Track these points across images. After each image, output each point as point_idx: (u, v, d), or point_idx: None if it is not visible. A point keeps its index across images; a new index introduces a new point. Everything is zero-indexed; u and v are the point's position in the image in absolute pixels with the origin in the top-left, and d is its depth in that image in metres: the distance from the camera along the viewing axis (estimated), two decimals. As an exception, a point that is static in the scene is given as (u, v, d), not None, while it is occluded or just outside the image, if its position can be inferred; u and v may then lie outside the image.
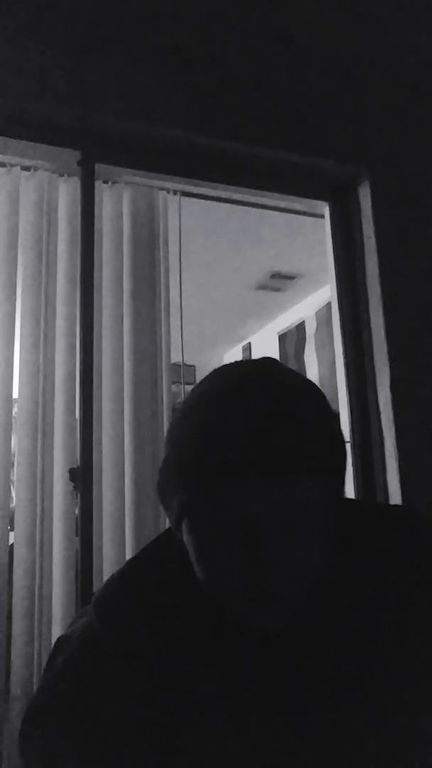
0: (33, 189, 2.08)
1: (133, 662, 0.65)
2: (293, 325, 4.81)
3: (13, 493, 1.92)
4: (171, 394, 2.17)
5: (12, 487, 1.92)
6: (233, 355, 5.93)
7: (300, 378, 0.67)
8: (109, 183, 2.18)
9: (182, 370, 2.63)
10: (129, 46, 1.96)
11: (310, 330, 4.51)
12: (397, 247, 2.20)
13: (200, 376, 0.71)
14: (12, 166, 2.06)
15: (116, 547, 1.96)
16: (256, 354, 5.55)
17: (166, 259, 2.28)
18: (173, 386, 2.23)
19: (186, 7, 2.06)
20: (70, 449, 1.95)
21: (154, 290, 2.21)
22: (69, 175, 2.11)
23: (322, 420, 0.63)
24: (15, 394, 1.96)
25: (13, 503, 1.91)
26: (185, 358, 2.44)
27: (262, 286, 4.33)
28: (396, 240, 2.20)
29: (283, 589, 0.60)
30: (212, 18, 2.10)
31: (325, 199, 2.33)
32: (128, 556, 1.96)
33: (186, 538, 0.64)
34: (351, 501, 0.87)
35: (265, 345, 5.31)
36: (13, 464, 1.92)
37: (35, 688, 1.33)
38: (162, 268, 2.25)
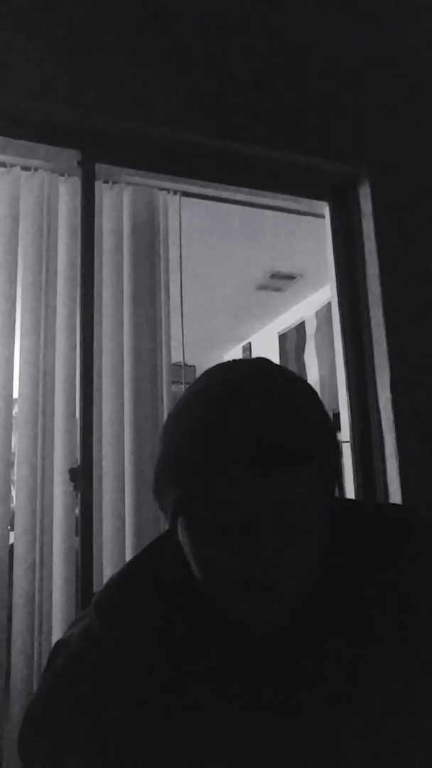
0: (33, 189, 2.08)
1: (133, 663, 0.65)
2: (293, 325, 4.81)
3: (13, 493, 1.92)
4: (171, 394, 2.17)
5: (12, 487, 1.92)
6: (233, 355, 5.93)
7: (293, 376, 0.67)
8: (109, 183, 2.18)
9: (183, 370, 2.63)
10: (129, 46, 1.97)
11: (310, 330, 4.51)
12: (397, 247, 2.20)
13: (200, 376, 0.71)
14: (12, 166, 2.06)
15: (116, 547, 1.96)
16: (256, 354, 5.55)
17: (166, 259, 2.27)
18: (173, 386, 2.23)
19: (186, 7, 2.06)
20: (70, 449, 1.95)
21: (154, 290, 2.21)
22: (69, 175, 2.11)
23: (317, 416, 0.63)
24: (15, 394, 1.96)
25: (13, 503, 1.91)
26: (185, 358, 2.44)
27: (262, 286, 4.33)
28: (396, 240, 2.20)
29: (282, 587, 0.60)
30: (212, 18, 2.10)
31: (325, 199, 2.33)
32: (128, 556, 1.96)
33: (182, 536, 0.64)
34: (350, 501, 0.87)
35: (265, 345, 5.31)
36: (13, 464, 1.92)
37: (35, 688, 1.34)
38: (162, 268, 2.25)
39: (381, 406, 2.12)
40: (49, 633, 1.86)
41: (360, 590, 0.68)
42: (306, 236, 3.26)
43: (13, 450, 1.92)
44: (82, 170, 1.99)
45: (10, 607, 1.84)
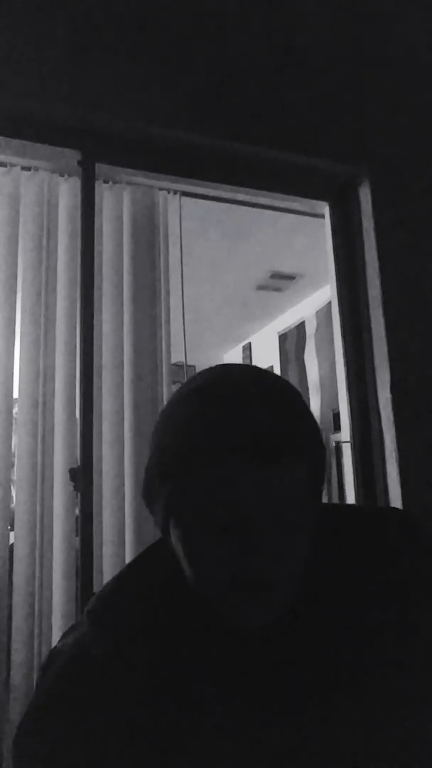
0: (33, 189, 2.08)
1: (131, 664, 0.65)
2: (293, 325, 4.81)
3: (13, 493, 1.92)
4: (171, 394, 2.17)
5: (12, 487, 1.92)
6: (233, 355, 5.93)
7: (277, 376, 0.69)
8: (109, 183, 2.18)
9: (185, 370, 2.63)
10: (129, 46, 1.97)
11: (310, 330, 4.51)
12: (397, 247, 2.20)
13: (200, 376, 0.71)
14: (12, 166, 2.06)
15: (116, 547, 1.96)
16: (256, 354, 5.55)
17: (166, 259, 2.28)
18: (173, 386, 2.23)
19: (186, 7, 2.06)
20: (70, 449, 1.95)
21: (154, 290, 2.21)
22: (69, 175, 2.11)
23: (303, 412, 0.65)
24: (15, 394, 1.96)
25: (13, 503, 1.91)
26: (185, 358, 2.44)
27: (262, 286, 4.33)
28: (396, 240, 2.20)
29: (273, 577, 0.60)
30: (212, 18, 2.10)
31: (325, 199, 2.33)
32: (128, 556, 1.96)
33: (174, 535, 0.64)
34: (349, 505, 0.87)
35: (265, 345, 5.31)
36: (13, 464, 1.92)
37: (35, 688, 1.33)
38: (162, 268, 2.25)
39: (381, 406, 2.12)
40: (49, 633, 1.86)
41: (360, 591, 0.68)
42: (306, 236, 3.27)
43: (13, 450, 1.92)
44: (82, 170, 1.99)
45: (10, 607, 1.84)
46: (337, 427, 3.83)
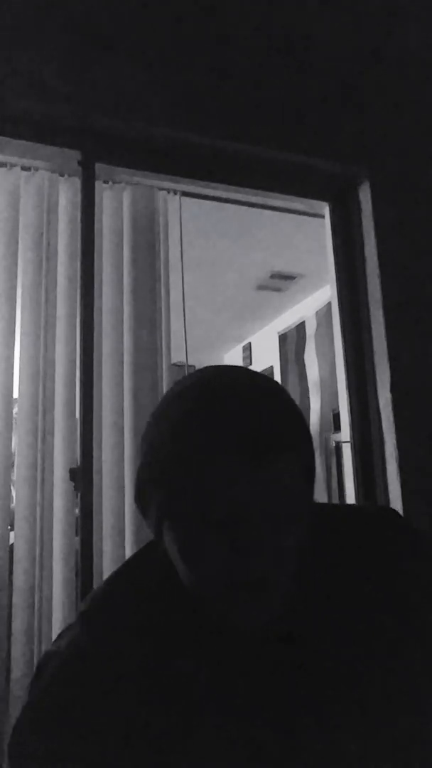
0: (33, 189, 2.08)
1: (125, 668, 0.64)
2: (293, 325, 4.81)
3: (13, 493, 1.92)
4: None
5: (12, 487, 1.92)
6: (233, 355, 5.93)
7: (265, 376, 0.70)
8: (109, 183, 2.19)
9: (185, 370, 2.63)
10: (129, 46, 1.97)
11: (310, 330, 4.51)
12: (397, 247, 2.20)
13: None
14: (12, 166, 2.06)
15: (116, 547, 1.96)
16: (256, 354, 5.55)
17: (166, 259, 2.28)
18: (173, 386, 2.23)
19: (186, 7, 2.06)
20: (70, 449, 1.95)
21: (155, 290, 2.21)
22: (69, 175, 2.11)
23: (293, 409, 0.65)
24: (15, 394, 1.96)
25: (13, 503, 1.91)
26: (184, 358, 2.44)
27: (262, 286, 4.33)
28: (396, 240, 2.20)
29: (271, 576, 0.60)
30: (212, 18, 2.10)
31: (325, 199, 2.33)
32: (128, 556, 1.96)
33: (169, 539, 0.63)
34: (349, 505, 0.87)
35: (265, 345, 5.31)
36: (13, 464, 1.92)
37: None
38: (162, 268, 2.25)
39: (381, 406, 2.12)
40: (49, 633, 1.86)
41: (359, 591, 0.68)
42: (306, 236, 3.27)
43: (13, 450, 1.92)
44: (82, 170, 1.99)
45: (10, 607, 1.84)
46: (337, 427, 3.83)
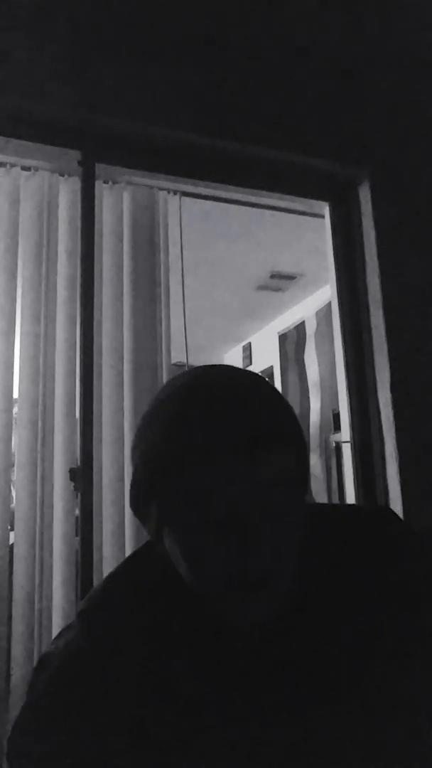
0: (33, 189, 2.08)
1: (124, 667, 0.64)
2: (293, 325, 4.81)
3: (13, 493, 1.92)
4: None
5: (12, 487, 1.92)
6: (233, 355, 5.93)
7: (255, 373, 0.70)
8: (109, 183, 2.18)
9: (185, 370, 2.63)
10: (129, 46, 1.97)
11: (310, 330, 4.51)
12: (397, 247, 2.20)
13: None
14: (12, 166, 2.06)
15: (116, 547, 1.96)
16: (256, 354, 5.55)
17: (166, 259, 2.28)
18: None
19: (186, 8, 2.06)
20: (70, 449, 1.95)
21: (155, 290, 2.21)
22: (69, 175, 2.11)
23: (285, 405, 0.65)
24: (15, 394, 1.96)
25: (13, 503, 1.91)
26: (184, 358, 2.44)
27: (262, 286, 4.33)
28: (396, 240, 2.20)
29: (271, 575, 0.60)
30: (212, 18, 2.10)
31: (325, 199, 2.33)
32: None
33: (169, 541, 0.63)
34: (349, 505, 0.87)
35: (265, 345, 5.31)
36: (13, 464, 1.92)
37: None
38: (162, 268, 2.25)
39: (381, 406, 2.12)
40: (49, 633, 1.86)
41: (360, 590, 0.68)
42: (306, 236, 3.26)
43: (13, 450, 1.92)
44: (82, 170, 1.99)
45: (10, 607, 1.84)
46: (337, 427, 3.83)
